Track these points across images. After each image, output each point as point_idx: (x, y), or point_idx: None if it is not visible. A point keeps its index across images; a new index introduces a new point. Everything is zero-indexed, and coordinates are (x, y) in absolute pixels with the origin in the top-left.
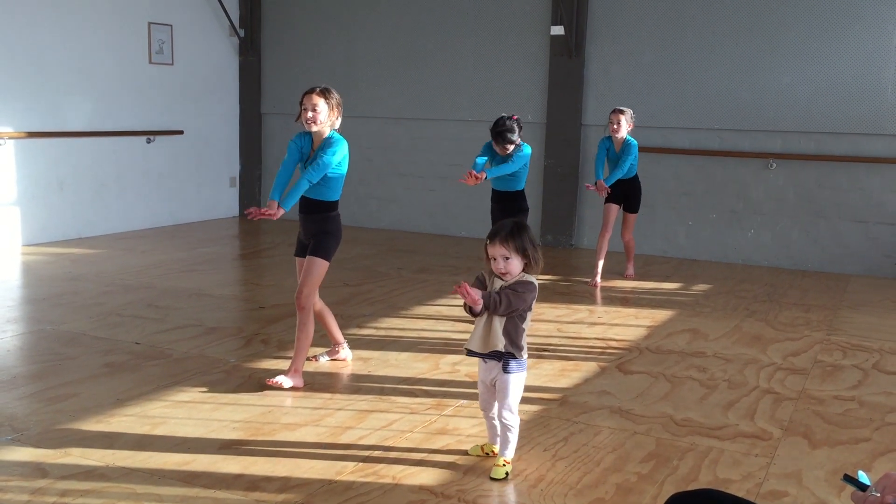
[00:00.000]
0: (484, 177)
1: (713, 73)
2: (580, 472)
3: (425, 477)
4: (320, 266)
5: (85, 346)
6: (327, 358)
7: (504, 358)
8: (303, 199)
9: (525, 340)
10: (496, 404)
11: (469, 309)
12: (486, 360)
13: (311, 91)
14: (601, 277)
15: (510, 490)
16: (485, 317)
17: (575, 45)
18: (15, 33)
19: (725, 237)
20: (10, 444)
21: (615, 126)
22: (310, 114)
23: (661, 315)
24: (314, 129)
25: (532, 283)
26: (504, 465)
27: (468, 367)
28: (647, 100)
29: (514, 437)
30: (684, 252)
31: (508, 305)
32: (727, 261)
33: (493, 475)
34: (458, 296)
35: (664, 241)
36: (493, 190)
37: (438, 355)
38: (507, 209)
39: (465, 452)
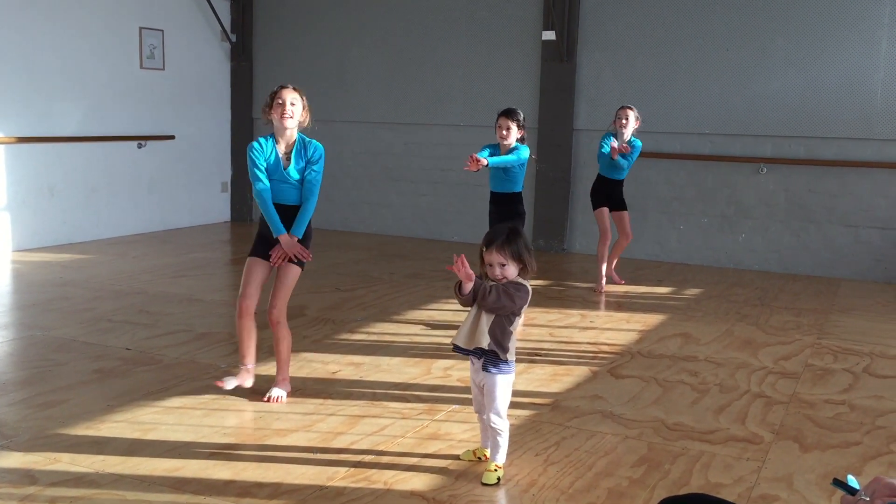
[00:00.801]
0: (485, 163)
1: (704, 79)
2: (572, 476)
3: (417, 482)
4: (297, 275)
5: (75, 352)
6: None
7: (486, 356)
8: (282, 207)
9: (512, 344)
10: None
11: (458, 288)
12: (472, 358)
13: (285, 86)
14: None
15: (502, 495)
16: (473, 312)
17: (566, 50)
18: (6, 38)
19: (716, 242)
20: None
21: (623, 121)
22: (288, 107)
23: (652, 319)
24: (289, 125)
25: (525, 286)
26: (496, 469)
27: (460, 372)
28: (638, 105)
29: (504, 442)
30: (676, 256)
31: (497, 299)
32: (718, 265)
33: (484, 480)
34: (454, 271)
35: (656, 246)
36: (491, 192)
37: (430, 360)
38: (505, 212)
39: (457, 457)
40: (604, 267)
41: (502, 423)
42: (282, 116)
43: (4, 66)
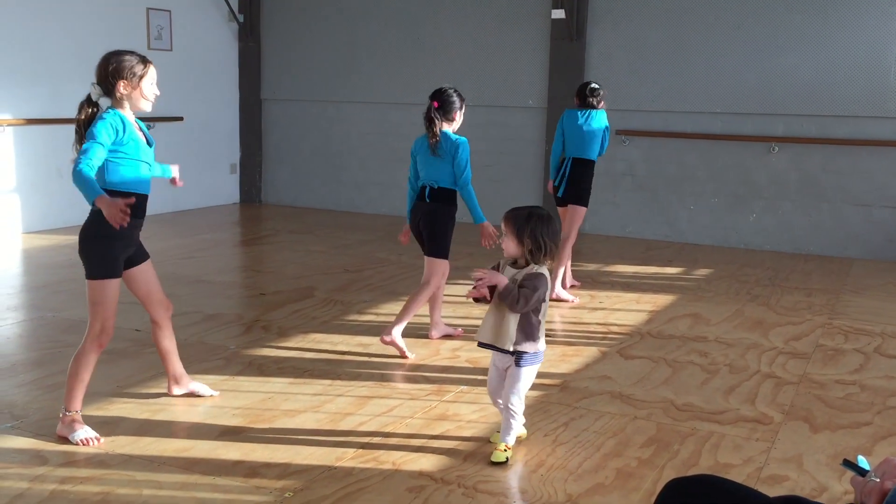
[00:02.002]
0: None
1: (715, 57)
2: (580, 457)
3: (425, 463)
4: None
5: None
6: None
7: (517, 353)
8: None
9: (542, 332)
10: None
11: (490, 296)
12: (500, 352)
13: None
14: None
15: (510, 475)
16: (494, 311)
17: (576, 28)
18: (14, 20)
19: (727, 221)
20: (10, 432)
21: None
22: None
23: (662, 300)
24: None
25: (541, 275)
26: (505, 449)
27: (468, 353)
28: (648, 83)
29: (516, 424)
30: (686, 237)
31: (526, 304)
32: (729, 245)
33: (493, 459)
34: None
35: (666, 226)
36: (432, 189)
37: (439, 341)
38: (434, 217)
39: (466, 438)
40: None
41: (520, 405)
42: (152, 98)
43: (12, 48)
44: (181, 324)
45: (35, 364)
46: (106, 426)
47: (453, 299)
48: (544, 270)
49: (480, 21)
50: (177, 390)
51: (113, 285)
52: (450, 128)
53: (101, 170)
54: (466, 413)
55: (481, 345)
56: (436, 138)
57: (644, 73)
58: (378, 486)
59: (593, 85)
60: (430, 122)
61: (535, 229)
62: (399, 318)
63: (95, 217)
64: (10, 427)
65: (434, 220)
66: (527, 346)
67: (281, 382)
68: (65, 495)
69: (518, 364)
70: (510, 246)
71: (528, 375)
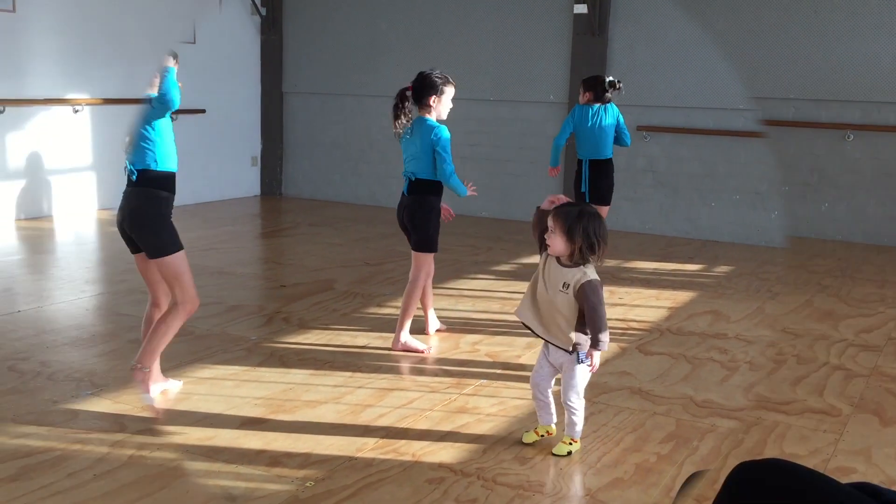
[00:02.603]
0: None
1: (737, 52)
2: (599, 451)
3: (445, 455)
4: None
5: (112, 324)
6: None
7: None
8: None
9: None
10: (550, 384)
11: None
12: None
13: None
14: None
15: (529, 469)
16: (546, 313)
17: (598, 23)
18: (91, 3)
19: (748, 218)
20: (91, 398)
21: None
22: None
23: (682, 296)
24: None
25: (593, 280)
26: (570, 443)
27: (488, 347)
28: (670, 79)
29: (578, 419)
30: (705, 234)
31: (603, 321)
32: (750, 242)
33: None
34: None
35: (686, 223)
36: (411, 181)
37: (458, 335)
38: (415, 210)
39: (485, 431)
40: None
41: (579, 402)
42: None
43: (89, 29)
44: (203, 315)
45: (112, 335)
46: (129, 415)
47: (474, 293)
48: (591, 273)
49: (502, 15)
50: (155, 389)
51: (185, 255)
52: (430, 116)
53: (152, 155)
54: (486, 406)
55: (535, 334)
56: (401, 123)
57: (666, 68)
58: (398, 477)
59: (611, 78)
60: (394, 107)
61: (587, 227)
62: (400, 323)
63: (152, 197)
64: (91, 394)
65: (414, 213)
66: (586, 343)
67: (302, 374)
68: (142, 461)
69: (581, 360)
70: (557, 243)
71: (585, 370)
